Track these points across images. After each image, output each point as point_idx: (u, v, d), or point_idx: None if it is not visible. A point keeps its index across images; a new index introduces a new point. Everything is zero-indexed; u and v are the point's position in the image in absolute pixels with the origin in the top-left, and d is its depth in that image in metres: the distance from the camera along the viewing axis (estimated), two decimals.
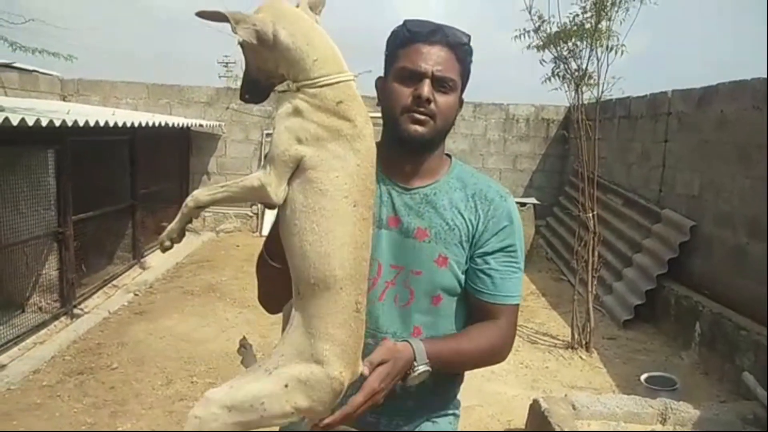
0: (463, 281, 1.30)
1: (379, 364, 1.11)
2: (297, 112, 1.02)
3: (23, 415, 3.42)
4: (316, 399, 1.01)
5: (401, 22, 1.29)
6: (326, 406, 1.03)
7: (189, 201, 1.06)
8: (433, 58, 1.23)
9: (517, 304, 1.33)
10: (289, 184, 1.04)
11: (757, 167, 4.50)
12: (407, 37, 1.25)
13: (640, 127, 6.85)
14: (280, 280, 1.13)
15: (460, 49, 1.27)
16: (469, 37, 1.29)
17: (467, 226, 1.29)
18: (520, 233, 1.33)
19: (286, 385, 0.99)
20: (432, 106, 1.23)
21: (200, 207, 1.08)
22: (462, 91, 1.32)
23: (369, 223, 1.09)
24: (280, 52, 1.03)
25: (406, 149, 1.27)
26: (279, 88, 1.08)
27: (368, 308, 1.20)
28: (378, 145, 1.32)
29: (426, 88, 1.21)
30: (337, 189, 1.03)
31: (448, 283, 1.28)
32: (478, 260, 1.29)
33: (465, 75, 1.31)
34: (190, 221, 1.10)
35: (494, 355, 1.31)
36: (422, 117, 1.23)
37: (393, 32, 1.30)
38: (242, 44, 1.01)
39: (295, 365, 1.01)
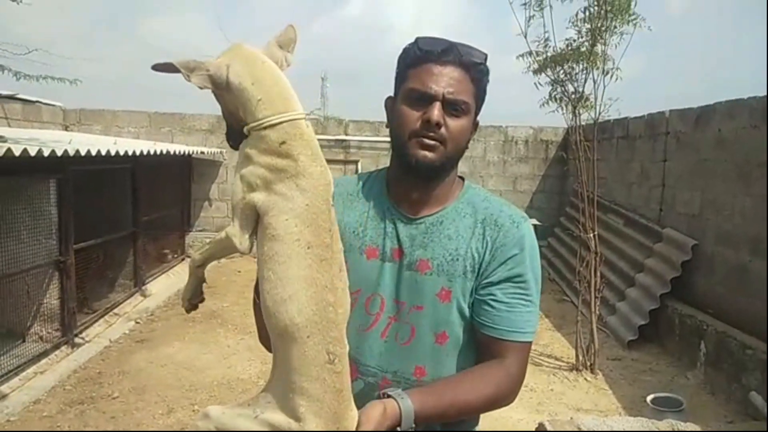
0: (468, 316, 1.17)
1: None
2: (247, 158, 1.02)
3: None
4: None
5: (413, 40, 1.20)
6: None
7: (190, 262, 1.12)
8: (444, 79, 1.14)
9: (529, 342, 1.17)
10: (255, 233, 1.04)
11: (756, 185, 4.51)
12: (418, 56, 1.16)
13: (639, 147, 6.88)
14: None
15: (475, 69, 1.17)
16: (485, 55, 1.19)
17: (473, 256, 1.17)
18: (534, 263, 1.18)
19: None
20: (442, 130, 1.14)
21: (199, 266, 1.12)
22: (477, 113, 1.22)
23: (330, 264, 1.01)
24: (233, 94, 1.03)
25: (414, 176, 1.18)
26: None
27: (370, 345, 1.17)
28: (387, 170, 1.29)
29: (436, 112, 1.12)
30: (288, 232, 0.98)
31: (454, 318, 1.16)
32: (483, 291, 1.16)
33: (480, 96, 1.21)
34: (202, 280, 1.15)
35: (498, 401, 1.14)
36: (431, 142, 1.14)
37: (404, 50, 1.21)
38: (208, 89, 1.04)
39: (277, 416, 0.98)
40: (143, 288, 6.53)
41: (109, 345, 5.06)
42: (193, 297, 1.14)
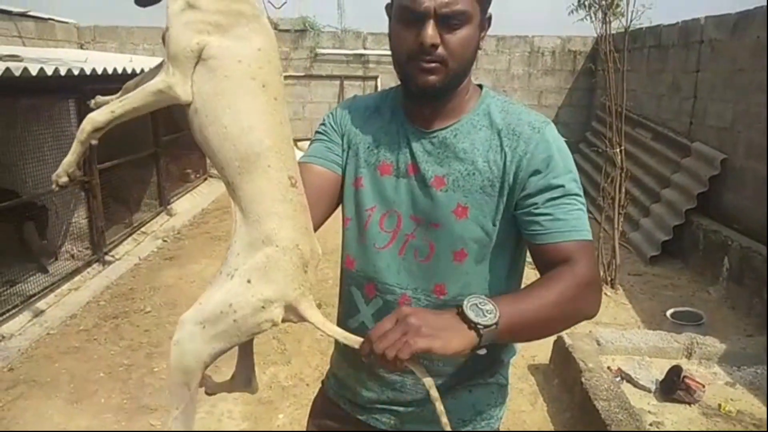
0: (492, 233, 1.11)
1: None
2: (191, 5, 0.98)
3: (63, 357, 3.57)
4: (281, 281, 0.96)
5: None
6: (295, 286, 0.98)
7: (85, 125, 0.98)
8: None
9: (589, 241, 1.07)
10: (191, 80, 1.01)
11: None
12: None
13: (671, 56, 6.58)
14: None
15: None
16: None
17: (491, 169, 1.10)
18: (567, 163, 1.09)
19: (249, 281, 0.95)
20: (440, 51, 1.04)
21: (99, 129, 0.99)
22: (484, 12, 1.09)
23: (283, 104, 1.05)
24: None
25: (420, 99, 1.13)
26: None
27: (388, 263, 1.14)
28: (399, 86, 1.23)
29: (429, 33, 1.02)
30: (244, 73, 0.99)
31: (470, 235, 1.10)
32: (523, 204, 1.08)
33: None
34: (89, 148, 1.03)
35: (576, 298, 1.01)
36: (431, 65, 1.05)
37: None
38: None
39: (250, 258, 0.97)
40: (168, 207, 6.64)
41: (138, 262, 5.21)
42: (76, 169, 1.04)
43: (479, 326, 0.89)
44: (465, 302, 0.92)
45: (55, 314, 4.06)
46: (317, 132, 1.27)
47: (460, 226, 1.11)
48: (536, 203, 1.07)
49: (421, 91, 1.08)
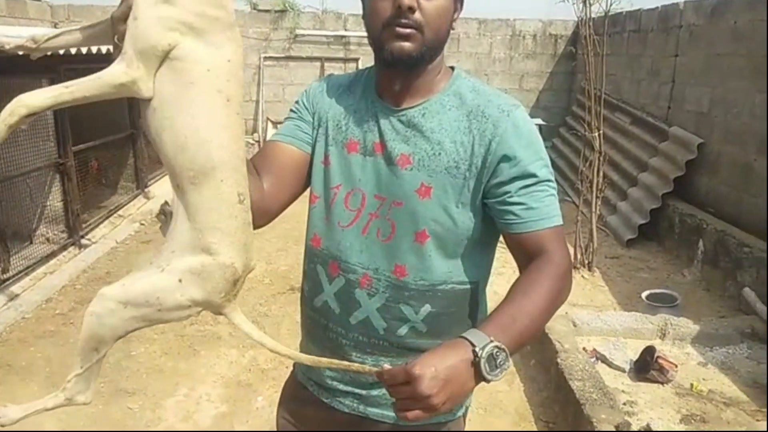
0: (458, 219, 1.10)
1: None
2: (168, 0, 0.94)
3: (39, 341, 3.53)
4: (210, 289, 1.00)
5: None
6: (222, 295, 1.02)
7: (17, 107, 0.91)
8: None
9: (561, 226, 1.08)
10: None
11: None
12: None
13: (651, 41, 6.62)
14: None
15: None
16: None
17: (457, 150, 1.08)
18: (537, 147, 1.08)
19: (180, 280, 0.99)
20: (417, 15, 1.03)
21: (34, 113, 0.92)
22: None
23: (241, 120, 1.05)
24: None
25: (394, 70, 1.10)
26: None
27: (351, 242, 1.14)
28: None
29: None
30: (210, 83, 0.98)
31: (432, 216, 1.09)
32: (496, 192, 1.07)
33: None
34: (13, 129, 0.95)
35: (561, 292, 1.04)
36: (406, 31, 1.03)
37: None
38: None
39: (186, 259, 1.00)
40: (146, 190, 6.55)
41: (115, 246, 5.15)
42: None
43: (491, 381, 0.88)
44: (480, 352, 0.86)
45: (30, 298, 4.00)
46: (291, 110, 1.26)
47: (422, 206, 1.09)
48: (509, 192, 1.06)
49: (396, 59, 1.05)
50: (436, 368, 0.84)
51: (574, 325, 3.39)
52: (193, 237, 1.00)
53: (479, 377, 0.87)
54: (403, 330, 1.15)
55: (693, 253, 4.77)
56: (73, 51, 4.39)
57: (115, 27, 0.98)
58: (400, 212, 1.11)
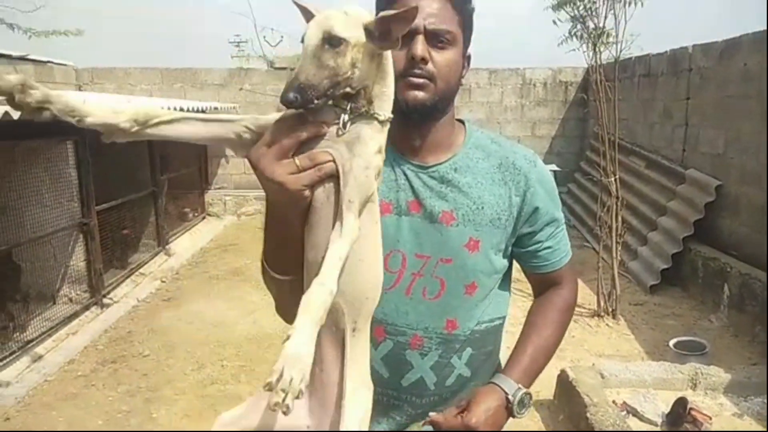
0: (497, 264, 1.18)
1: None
2: (380, 151, 0.93)
3: (62, 405, 3.52)
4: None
5: None
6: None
7: (327, 293, 0.84)
8: (425, 10, 1.07)
9: (570, 256, 1.29)
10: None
11: None
12: None
13: (661, 85, 6.68)
14: (299, 291, 1.03)
15: None
16: None
17: (498, 202, 1.16)
18: (555, 193, 1.23)
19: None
20: (429, 66, 1.07)
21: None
22: (465, 45, 1.15)
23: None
24: (378, 59, 0.90)
25: (409, 120, 1.11)
26: (341, 104, 0.90)
27: (396, 304, 1.13)
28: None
29: (419, 46, 1.05)
30: (378, 218, 0.99)
31: (482, 268, 1.15)
32: (527, 240, 1.21)
33: (466, 25, 1.13)
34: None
35: (568, 321, 1.31)
36: (419, 80, 1.07)
37: None
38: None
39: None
40: (167, 247, 6.63)
41: (137, 304, 5.18)
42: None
43: (518, 418, 1.15)
44: (513, 399, 1.13)
45: (53, 360, 4.02)
46: None
47: (472, 259, 1.14)
48: (540, 240, 1.21)
49: (411, 108, 1.08)
50: (485, 416, 1.09)
51: (602, 377, 3.31)
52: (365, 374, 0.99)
53: (509, 416, 1.14)
54: (451, 379, 1.18)
55: (718, 298, 4.67)
56: None
57: (243, 137, 0.93)
58: (450, 268, 1.14)
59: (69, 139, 4.68)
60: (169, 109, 0.93)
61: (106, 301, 5.02)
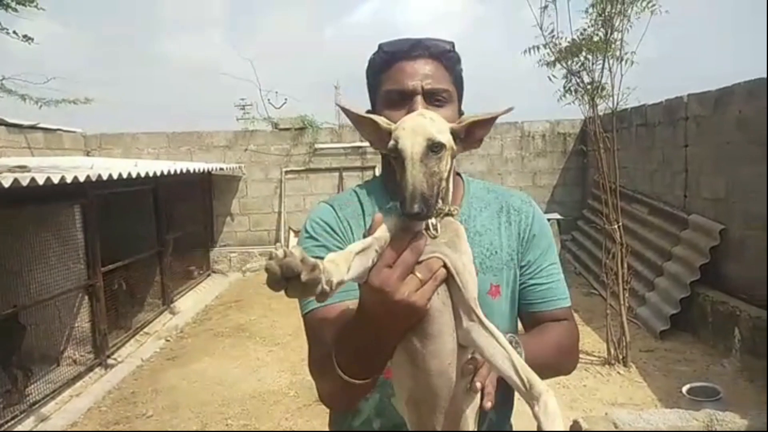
0: (516, 302, 1.21)
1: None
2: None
3: None
4: None
5: (376, 49, 1.19)
6: None
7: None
8: (419, 72, 1.12)
9: (570, 306, 1.24)
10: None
11: None
12: (386, 59, 1.16)
13: (659, 133, 6.78)
14: (367, 391, 1.02)
15: (446, 57, 1.16)
16: (452, 44, 1.19)
17: (509, 245, 1.19)
18: (549, 231, 1.26)
19: None
20: None
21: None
22: (460, 102, 1.20)
23: None
24: (454, 159, 0.94)
25: None
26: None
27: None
28: (382, 178, 1.25)
29: (419, 106, 1.09)
30: None
31: (502, 310, 1.17)
32: (525, 276, 1.20)
33: (458, 84, 1.19)
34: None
35: (563, 353, 1.19)
36: None
37: (370, 60, 1.20)
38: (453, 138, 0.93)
39: None
40: (171, 306, 6.61)
41: (141, 364, 5.13)
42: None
43: None
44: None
45: (55, 423, 3.95)
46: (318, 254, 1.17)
47: (497, 305, 1.17)
48: (535, 275, 1.20)
49: None
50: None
51: (616, 427, 3.23)
52: None
53: None
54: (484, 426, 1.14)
55: (730, 342, 4.60)
56: (104, 176, 4.63)
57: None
58: None
59: (76, 203, 4.76)
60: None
61: (110, 361, 4.98)
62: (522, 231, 1.21)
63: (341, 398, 1.10)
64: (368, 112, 1.19)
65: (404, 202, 0.82)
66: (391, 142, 0.88)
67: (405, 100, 1.12)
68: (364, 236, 0.90)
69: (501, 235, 1.20)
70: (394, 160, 0.89)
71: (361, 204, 1.23)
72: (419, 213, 0.82)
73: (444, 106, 1.13)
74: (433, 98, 1.13)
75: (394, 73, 1.14)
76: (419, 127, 0.87)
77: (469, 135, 0.93)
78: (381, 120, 0.95)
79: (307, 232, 1.19)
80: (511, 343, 0.96)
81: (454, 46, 1.19)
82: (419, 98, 1.11)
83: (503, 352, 0.88)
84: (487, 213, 1.22)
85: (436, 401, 0.94)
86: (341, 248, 1.08)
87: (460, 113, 1.21)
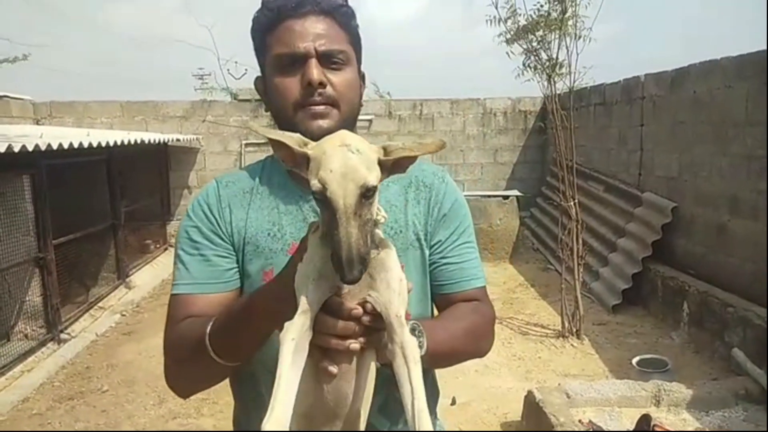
0: (424, 284, 1.12)
1: None
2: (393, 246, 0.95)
3: None
4: None
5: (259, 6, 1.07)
6: None
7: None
8: (310, 32, 1.01)
9: (485, 286, 1.15)
10: None
11: (733, 145, 4.55)
12: (271, 17, 1.03)
13: (616, 112, 6.91)
14: (220, 376, 1.04)
15: (339, 13, 1.05)
16: None
17: (415, 224, 1.10)
18: (465, 209, 1.16)
19: None
20: (329, 89, 1.01)
21: None
22: (359, 62, 1.09)
23: None
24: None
25: None
26: None
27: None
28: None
29: (315, 71, 0.99)
30: None
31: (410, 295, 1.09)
32: (434, 255, 1.11)
33: (356, 43, 1.08)
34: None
35: (477, 336, 1.10)
36: (321, 108, 1.01)
37: (253, 19, 1.07)
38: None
39: None
40: (127, 280, 6.47)
41: (95, 339, 5.02)
42: None
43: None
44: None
45: (5, 398, 3.84)
46: (189, 244, 1.09)
47: None
48: (445, 254, 1.11)
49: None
50: None
51: (568, 397, 3.33)
52: None
53: None
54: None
55: (679, 316, 4.78)
56: (54, 146, 4.45)
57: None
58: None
59: (26, 173, 4.58)
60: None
61: (63, 336, 4.85)
62: (432, 209, 1.11)
63: (191, 377, 1.10)
64: (258, 78, 1.12)
65: (341, 267, 0.74)
66: (316, 184, 0.76)
67: (297, 64, 1.01)
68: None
69: (407, 213, 1.10)
70: (318, 202, 0.79)
71: (259, 178, 1.14)
72: (359, 276, 0.75)
73: (342, 69, 1.04)
74: (329, 61, 1.02)
75: (282, 34, 1.02)
76: (349, 170, 0.75)
77: (396, 165, 0.83)
78: (292, 141, 0.82)
79: (190, 209, 1.13)
80: (414, 331, 0.90)
81: (347, 0, 1.08)
82: (313, 61, 1.00)
83: (409, 390, 0.80)
84: (395, 188, 1.11)
85: (333, 416, 0.92)
86: (214, 233, 1.08)
87: (362, 74, 1.12)
